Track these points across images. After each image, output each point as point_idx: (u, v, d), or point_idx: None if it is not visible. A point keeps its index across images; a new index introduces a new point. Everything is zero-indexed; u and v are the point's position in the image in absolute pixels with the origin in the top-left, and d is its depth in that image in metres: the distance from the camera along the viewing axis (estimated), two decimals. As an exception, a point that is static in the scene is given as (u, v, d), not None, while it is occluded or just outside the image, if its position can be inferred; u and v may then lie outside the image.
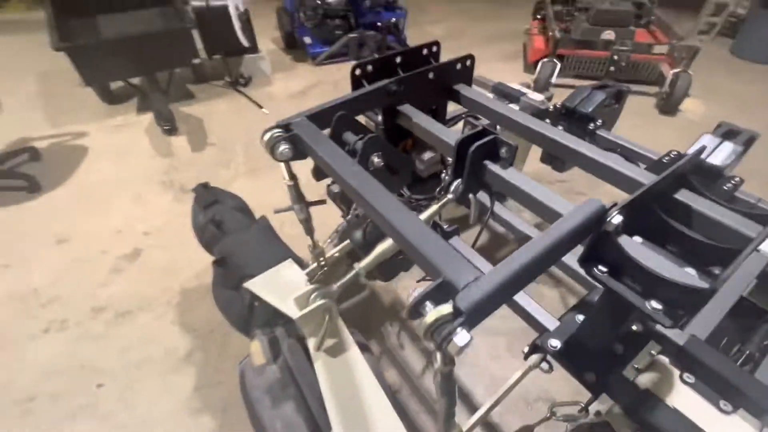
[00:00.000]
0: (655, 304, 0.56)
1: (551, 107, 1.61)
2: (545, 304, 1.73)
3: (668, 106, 3.12)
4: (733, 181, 1.13)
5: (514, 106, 1.66)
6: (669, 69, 3.17)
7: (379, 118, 1.01)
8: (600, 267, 0.61)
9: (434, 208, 0.82)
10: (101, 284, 1.86)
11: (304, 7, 3.64)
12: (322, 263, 1.16)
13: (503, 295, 0.49)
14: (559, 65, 3.26)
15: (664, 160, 1.19)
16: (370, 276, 0.92)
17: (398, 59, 1.05)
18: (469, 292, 0.46)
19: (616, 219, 0.56)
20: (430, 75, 1.00)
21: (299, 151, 0.78)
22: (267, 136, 0.76)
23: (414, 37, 4.38)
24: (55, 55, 2.43)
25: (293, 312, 0.76)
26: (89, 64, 2.58)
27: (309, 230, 1.04)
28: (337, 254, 1.23)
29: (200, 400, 1.43)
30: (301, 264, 1.14)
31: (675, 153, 1.18)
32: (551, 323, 0.89)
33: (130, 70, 2.87)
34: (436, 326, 0.45)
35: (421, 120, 0.91)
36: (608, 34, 3.35)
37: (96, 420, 1.39)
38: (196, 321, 1.69)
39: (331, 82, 3.68)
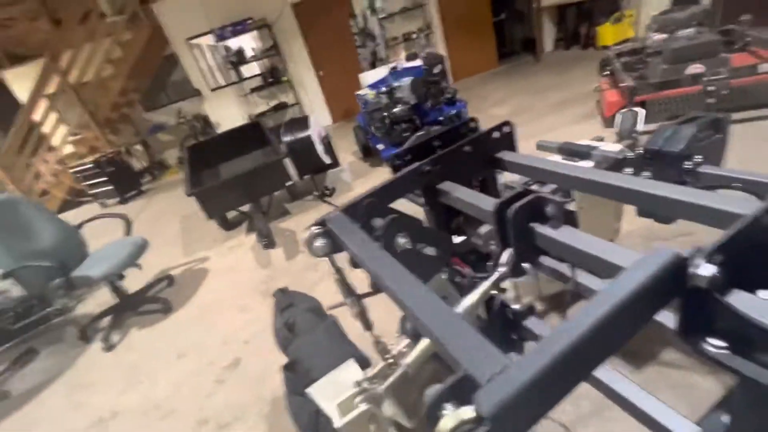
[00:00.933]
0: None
1: (631, 155, 1.43)
2: (696, 399, 1.29)
3: (809, 123, 2.53)
4: (694, 159, 0.83)
5: (589, 163, 1.52)
6: (793, 84, 2.66)
7: (422, 200, 0.99)
8: (711, 341, 0.44)
9: (485, 285, 0.72)
10: (207, 395, 1.99)
11: (373, 120, 4.13)
12: (390, 360, 1.07)
13: (545, 396, 0.37)
14: (643, 111, 2.98)
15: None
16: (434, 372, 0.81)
17: (436, 142, 1.07)
18: (492, 388, 0.35)
19: (706, 270, 0.41)
20: (466, 148, 0.98)
21: (335, 245, 0.79)
22: (305, 234, 0.80)
23: (480, 122, 4.54)
24: (193, 201, 3.11)
25: (336, 420, 0.68)
26: (209, 202, 3.21)
27: (366, 324, 0.99)
28: (405, 349, 1.13)
29: None
30: (368, 363, 1.07)
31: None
32: (688, 430, 0.64)
33: (239, 201, 3.48)
34: (455, 438, 0.35)
35: (459, 193, 0.87)
36: (695, 68, 3.04)
37: None
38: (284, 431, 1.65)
39: (404, 177, 3.91)
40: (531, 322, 0.91)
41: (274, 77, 6.79)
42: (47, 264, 2.34)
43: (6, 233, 2.46)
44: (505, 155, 1.01)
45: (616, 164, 1.44)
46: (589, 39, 6.88)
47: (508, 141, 1.02)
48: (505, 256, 0.73)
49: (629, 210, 1.66)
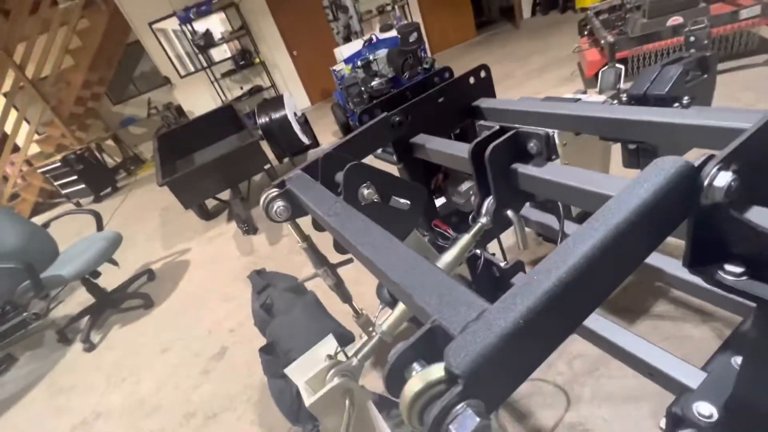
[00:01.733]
0: None
1: (615, 103, 1.35)
2: (692, 349, 1.27)
3: (790, 69, 2.49)
4: (683, 102, 0.79)
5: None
6: (773, 30, 2.61)
7: (394, 157, 0.91)
8: (729, 267, 0.37)
9: (465, 238, 0.64)
10: (194, 387, 1.91)
11: (351, 96, 3.98)
12: (373, 333, 1.00)
13: (536, 341, 0.29)
14: (623, 68, 2.92)
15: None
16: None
17: (408, 94, 0.98)
18: (466, 339, 0.28)
19: (722, 178, 0.33)
20: (440, 99, 0.89)
21: (297, 207, 0.70)
22: (262, 198, 0.71)
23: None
24: (171, 192, 2.97)
25: (306, 398, 0.61)
26: (184, 191, 3.07)
27: (344, 296, 0.91)
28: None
29: None
30: (349, 338, 1.00)
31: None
32: (694, 377, 0.58)
33: (216, 187, 3.34)
34: (423, 402, 0.27)
35: (433, 143, 0.79)
36: (674, 20, 2.96)
37: None
38: (275, 419, 1.59)
39: (387, 153, 3.81)
40: (519, 278, 0.85)
41: (245, 60, 6.51)
42: (11, 266, 2.20)
43: (-36, 237, 2.30)
44: (483, 102, 0.92)
45: (594, 104, 1.37)
46: (567, 2, 6.73)
47: (486, 87, 0.93)
48: (486, 204, 0.65)
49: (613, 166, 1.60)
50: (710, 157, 0.34)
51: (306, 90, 7.17)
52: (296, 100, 7.01)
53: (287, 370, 0.89)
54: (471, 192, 0.98)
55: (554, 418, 1.23)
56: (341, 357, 0.71)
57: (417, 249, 0.85)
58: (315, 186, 0.65)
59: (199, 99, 6.76)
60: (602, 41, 3.16)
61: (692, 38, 3.03)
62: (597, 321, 0.69)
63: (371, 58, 4.10)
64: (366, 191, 0.63)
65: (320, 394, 0.58)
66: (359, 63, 4.10)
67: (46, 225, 2.77)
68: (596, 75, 3.20)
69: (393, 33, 4.32)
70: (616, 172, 1.74)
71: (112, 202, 5.91)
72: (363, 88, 3.94)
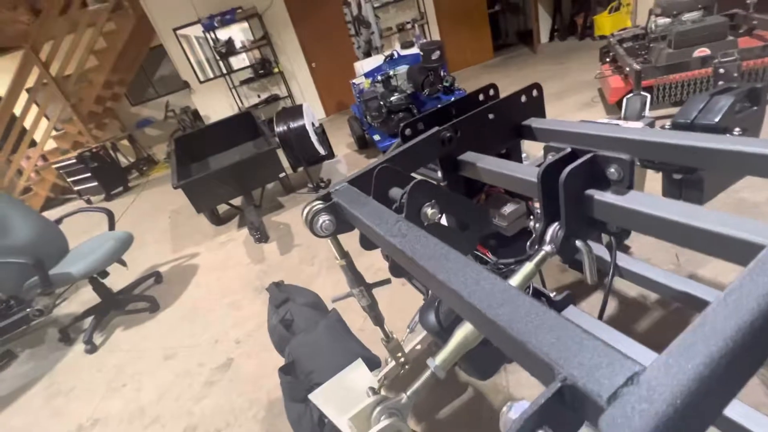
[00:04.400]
0: None
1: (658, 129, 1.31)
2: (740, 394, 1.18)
3: (823, 106, 2.45)
4: (734, 133, 0.74)
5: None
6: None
7: (439, 174, 0.86)
8: None
9: (529, 267, 0.59)
10: (196, 399, 1.84)
11: (369, 110, 3.98)
12: (401, 360, 0.93)
13: (704, 405, 0.23)
14: (648, 96, 2.90)
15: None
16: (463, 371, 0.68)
17: (453, 110, 0.94)
18: (626, 411, 0.22)
19: None
20: (490, 115, 0.85)
21: (343, 221, 0.66)
22: (306, 211, 0.66)
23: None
24: (183, 196, 2.94)
25: (350, 439, 0.55)
26: (198, 195, 3.04)
27: (377, 319, 0.85)
28: (419, 347, 1.00)
29: None
30: (376, 363, 0.94)
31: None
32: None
33: (230, 193, 3.31)
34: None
35: (487, 163, 0.74)
36: (701, 51, 2.94)
37: None
38: (281, 439, 1.51)
39: (402, 168, 3.78)
40: (570, 313, 0.79)
41: (265, 69, 6.59)
42: (21, 261, 2.17)
43: (-24, 229, 2.28)
44: (534, 122, 0.88)
45: (654, 129, 1.32)
46: (586, 29, 6.78)
47: (537, 106, 0.89)
48: (551, 231, 0.60)
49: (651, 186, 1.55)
50: None
51: (322, 101, 7.24)
52: (312, 107, 7.07)
53: (312, 396, 0.83)
54: (514, 214, 0.93)
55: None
56: (383, 390, 0.64)
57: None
58: (369, 201, 0.60)
59: (216, 104, 6.84)
60: (627, 69, 3.14)
61: (721, 70, 2.99)
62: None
63: (391, 73, 4.13)
64: (430, 210, 0.58)
65: (369, 434, 0.52)
66: (379, 77, 4.12)
67: (58, 221, 2.74)
68: (619, 102, 3.18)
69: (414, 50, 4.36)
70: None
71: (122, 201, 5.92)
72: (382, 102, 3.94)
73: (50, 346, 2.67)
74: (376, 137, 4.26)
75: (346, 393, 0.77)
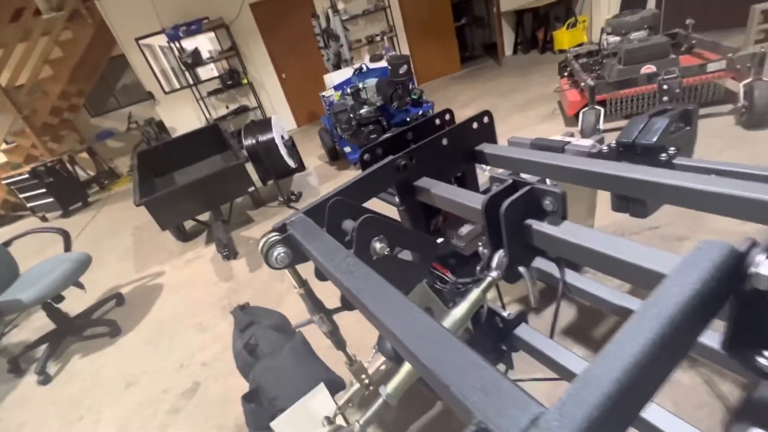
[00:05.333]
0: None
1: (605, 148, 1.40)
2: (682, 397, 1.26)
3: (753, 119, 2.68)
4: (669, 152, 0.84)
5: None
6: (737, 82, 2.82)
7: (396, 199, 0.89)
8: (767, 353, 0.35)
9: (476, 293, 0.62)
10: (161, 428, 1.76)
11: (339, 122, 4.00)
12: (365, 382, 0.94)
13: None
14: (602, 110, 3.09)
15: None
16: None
17: (410, 135, 0.97)
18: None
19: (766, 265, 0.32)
20: (444, 141, 0.89)
21: (298, 253, 0.67)
22: (261, 243, 0.67)
23: (446, 124, 4.54)
24: (146, 212, 2.84)
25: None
26: (162, 212, 2.94)
27: (339, 344, 0.86)
28: (383, 367, 1.01)
29: None
30: (341, 385, 0.94)
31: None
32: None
33: (196, 209, 3.23)
34: None
35: (439, 189, 0.77)
36: (648, 68, 3.16)
37: None
38: (250, 465, 1.47)
39: (373, 180, 3.81)
40: (522, 331, 0.82)
41: (233, 80, 6.49)
42: (-37, 289, 2.02)
43: None
44: (486, 147, 0.92)
45: (594, 155, 1.40)
46: (547, 43, 7.13)
47: (488, 132, 0.94)
48: (497, 258, 0.63)
49: (602, 207, 1.65)
50: (754, 244, 0.34)
51: (293, 112, 7.20)
52: (282, 122, 7.02)
53: (273, 425, 0.82)
54: (471, 235, 0.97)
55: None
56: (338, 419, 0.65)
57: (423, 301, 0.82)
58: (321, 234, 0.61)
59: (182, 116, 6.66)
60: (582, 84, 3.33)
61: (665, 86, 3.22)
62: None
63: (361, 86, 4.17)
64: (378, 245, 0.60)
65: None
66: (349, 90, 4.16)
67: (7, 243, 2.58)
68: (577, 114, 3.36)
69: (383, 63, 4.42)
70: (605, 211, 1.76)
71: (81, 218, 5.62)
72: (352, 115, 3.98)
73: (-2, 379, 2.49)
74: (347, 149, 4.28)
75: (308, 420, 0.77)
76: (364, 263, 0.51)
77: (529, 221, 0.59)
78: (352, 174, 4.11)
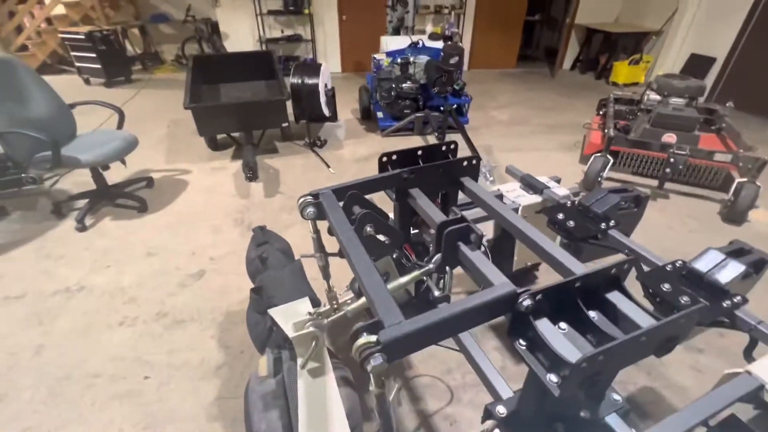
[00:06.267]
0: (552, 378, 0.69)
1: (569, 203, 1.75)
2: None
3: (733, 214, 2.98)
4: (734, 300, 1.16)
5: (538, 198, 1.84)
6: (738, 176, 3.07)
7: (395, 196, 1.27)
8: (520, 341, 0.76)
9: (414, 273, 1.02)
10: (169, 294, 2.26)
11: (381, 88, 4.25)
12: (334, 306, 1.38)
13: (419, 340, 0.68)
14: (611, 161, 3.35)
15: (668, 268, 1.24)
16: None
17: (420, 152, 1.34)
18: (390, 330, 0.66)
19: (527, 302, 0.72)
20: (440, 169, 1.26)
21: (321, 214, 1.06)
22: (300, 200, 1.06)
23: (478, 120, 4.78)
24: (182, 109, 3.20)
25: (290, 333, 0.98)
26: (204, 120, 3.32)
27: (326, 276, 1.29)
28: (348, 300, 1.45)
29: (217, 408, 1.66)
30: (318, 303, 1.38)
31: (680, 262, 1.23)
32: (507, 392, 0.99)
33: (234, 127, 3.60)
34: (362, 349, 0.65)
35: (422, 202, 1.16)
36: (669, 137, 3.39)
37: (135, 405, 1.67)
38: (232, 340, 1.97)
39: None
40: (442, 305, 1.24)
41: (296, 6, 6.57)
42: (41, 137, 2.44)
43: (1, 94, 2.51)
44: (467, 181, 1.29)
45: (557, 206, 1.76)
46: (605, 70, 7.09)
47: (473, 171, 1.30)
48: (435, 258, 1.03)
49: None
50: (527, 290, 0.73)
51: (342, 56, 7.31)
52: (329, 62, 7.15)
53: (271, 311, 1.27)
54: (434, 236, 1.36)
55: (437, 407, 1.67)
56: (316, 315, 1.08)
57: (385, 267, 1.23)
58: (338, 209, 1.01)
59: (238, 25, 6.79)
60: (605, 130, 3.56)
61: (672, 159, 3.50)
62: (473, 347, 1.10)
63: (411, 60, 4.37)
64: (368, 229, 0.99)
65: (302, 332, 0.96)
66: (399, 60, 4.36)
67: (72, 105, 2.97)
68: (591, 155, 3.61)
69: (439, 44, 4.58)
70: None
71: (122, 92, 5.97)
72: (394, 85, 4.22)
73: (42, 215, 2.98)
74: (380, 114, 4.55)
75: (293, 314, 1.20)
76: (357, 236, 0.90)
77: (460, 243, 0.99)
78: (377, 138, 4.42)
